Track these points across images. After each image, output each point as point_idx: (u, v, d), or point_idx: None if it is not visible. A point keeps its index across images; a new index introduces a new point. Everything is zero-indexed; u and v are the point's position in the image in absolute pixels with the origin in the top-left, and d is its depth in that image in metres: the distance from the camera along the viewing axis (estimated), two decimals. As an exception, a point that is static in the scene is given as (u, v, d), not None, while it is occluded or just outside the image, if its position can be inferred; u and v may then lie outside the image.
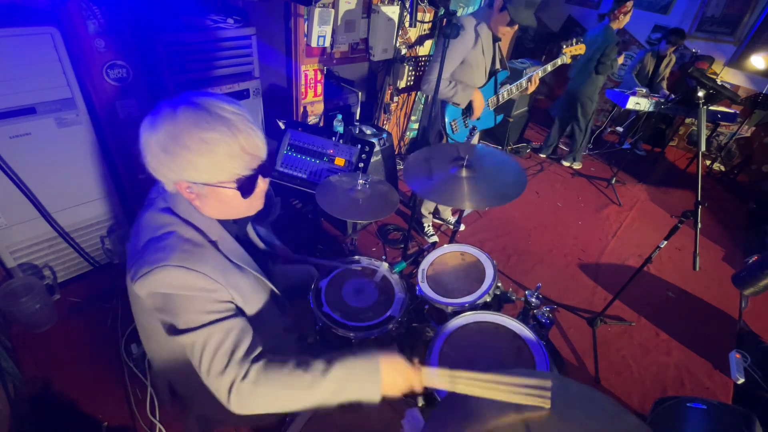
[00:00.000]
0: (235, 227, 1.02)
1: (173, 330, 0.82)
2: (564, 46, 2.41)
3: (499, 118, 2.48)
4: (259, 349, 0.84)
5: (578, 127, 3.95)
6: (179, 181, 0.82)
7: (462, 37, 2.01)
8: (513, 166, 1.61)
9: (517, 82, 2.33)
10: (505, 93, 2.34)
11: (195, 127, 0.76)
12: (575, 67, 3.70)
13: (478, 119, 2.30)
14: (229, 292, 0.87)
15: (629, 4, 3.30)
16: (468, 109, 2.27)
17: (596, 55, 3.44)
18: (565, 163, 4.25)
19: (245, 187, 0.85)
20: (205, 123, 0.76)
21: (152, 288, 0.81)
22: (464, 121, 2.32)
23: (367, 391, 0.82)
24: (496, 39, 2.19)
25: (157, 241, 0.83)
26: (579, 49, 2.41)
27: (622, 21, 3.39)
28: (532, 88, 2.36)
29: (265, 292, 1.02)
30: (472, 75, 2.17)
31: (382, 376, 0.83)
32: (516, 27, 2.05)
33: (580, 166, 4.23)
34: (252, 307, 0.96)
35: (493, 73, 2.28)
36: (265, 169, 0.87)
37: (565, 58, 2.41)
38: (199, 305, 0.82)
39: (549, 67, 2.38)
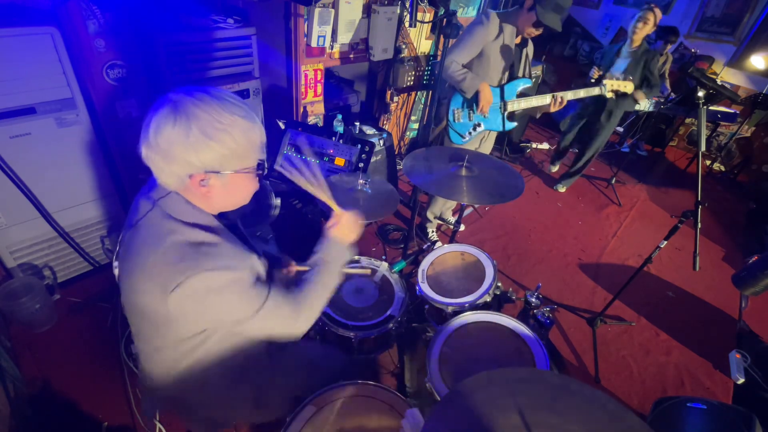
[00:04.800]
0: (226, 221, 1.02)
1: (238, 319, 0.90)
2: (605, 78, 2.34)
3: (510, 125, 2.33)
4: (290, 292, 0.99)
5: (590, 154, 3.54)
6: (199, 173, 0.80)
7: (485, 26, 2.02)
8: (509, 171, 1.62)
9: (540, 96, 2.25)
10: (523, 102, 2.26)
11: (222, 118, 0.78)
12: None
13: (484, 116, 2.24)
14: (252, 269, 0.92)
15: (659, 13, 2.96)
16: (473, 102, 2.24)
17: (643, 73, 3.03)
18: (560, 189, 3.81)
19: (261, 171, 0.92)
20: (230, 114, 0.79)
21: (194, 293, 0.80)
22: (468, 114, 2.29)
23: (343, 258, 1.10)
24: (523, 44, 2.19)
25: (171, 252, 0.81)
26: (626, 86, 2.35)
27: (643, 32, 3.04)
28: (554, 108, 2.29)
29: (263, 265, 1.05)
30: (488, 70, 2.16)
31: (342, 242, 1.11)
32: (541, 30, 2.05)
33: (564, 190, 3.84)
34: (263, 274, 1.01)
35: (513, 77, 2.26)
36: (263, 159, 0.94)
37: (604, 90, 2.36)
38: (244, 295, 0.88)
39: (582, 93, 2.33)
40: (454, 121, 2.28)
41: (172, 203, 0.86)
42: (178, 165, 0.79)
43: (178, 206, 0.86)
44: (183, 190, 0.86)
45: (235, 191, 0.90)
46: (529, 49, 2.29)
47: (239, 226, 1.13)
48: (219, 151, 0.78)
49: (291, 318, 0.96)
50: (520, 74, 2.28)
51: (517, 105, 2.28)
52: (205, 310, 0.86)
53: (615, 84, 2.37)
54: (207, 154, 0.78)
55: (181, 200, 0.87)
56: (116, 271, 0.96)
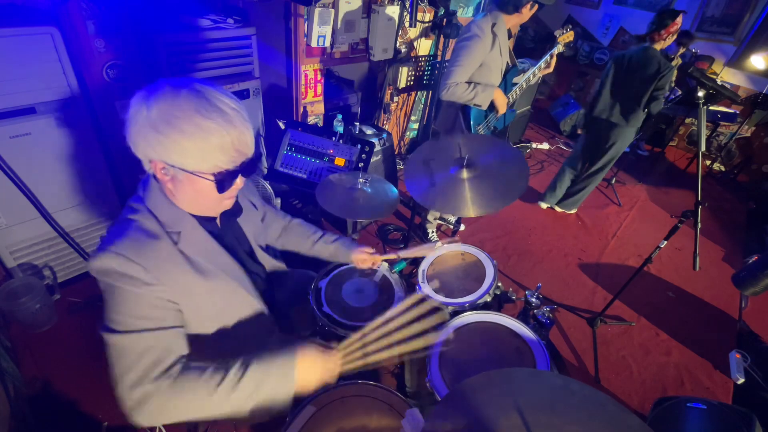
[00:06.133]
0: (217, 226, 1.01)
1: (103, 326, 0.79)
2: (557, 35, 2.37)
3: (513, 115, 2.49)
4: (178, 364, 0.80)
5: (595, 180, 3.17)
6: (157, 160, 0.80)
7: (481, 39, 2.02)
8: (513, 156, 1.58)
9: (525, 77, 2.34)
10: (517, 89, 2.34)
11: (194, 113, 0.75)
12: (613, 98, 2.81)
13: (500, 117, 2.32)
14: (171, 291, 0.83)
15: (679, 21, 2.52)
16: (489, 111, 2.27)
17: (645, 86, 2.61)
18: (558, 209, 3.47)
19: (223, 181, 0.84)
20: (204, 111, 0.76)
21: (94, 272, 0.79)
22: (487, 124, 2.33)
23: (281, 389, 0.83)
24: (510, 35, 2.20)
25: (115, 227, 0.84)
26: (569, 36, 2.39)
27: (668, 41, 2.63)
28: (551, 68, 2.40)
29: (237, 295, 1.00)
30: (490, 76, 2.17)
31: (297, 372, 0.84)
32: (536, 8, 2.07)
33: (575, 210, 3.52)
34: (207, 310, 0.93)
35: (506, 71, 2.30)
36: (247, 168, 0.87)
37: (560, 47, 2.39)
38: (132, 305, 0.79)
39: (548, 58, 2.37)
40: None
41: (150, 189, 0.89)
42: (141, 148, 0.80)
43: (152, 193, 0.88)
44: (157, 178, 0.86)
45: (197, 194, 0.86)
46: (511, 41, 2.32)
47: (237, 247, 1.09)
48: (174, 139, 0.76)
49: (131, 382, 0.75)
50: (509, 65, 2.33)
51: (516, 94, 2.36)
52: (104, 293, 0.80)
53: (564, 37, 2.39)
54: (168, 147, 0.77)
55: (157, 188, 0.88)
56: None
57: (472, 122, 2.23)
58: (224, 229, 1.04)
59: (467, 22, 2.34)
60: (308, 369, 0.86)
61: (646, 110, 2.72)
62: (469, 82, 2.12)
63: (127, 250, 0.79)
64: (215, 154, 0.79)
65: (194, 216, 0.92)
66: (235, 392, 0.79)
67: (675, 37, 2.60)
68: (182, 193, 0.87)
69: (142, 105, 0.77)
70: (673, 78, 2.65)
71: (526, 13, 2.06)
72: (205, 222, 0.95)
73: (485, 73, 2.16)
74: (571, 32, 2.40)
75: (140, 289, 0.79)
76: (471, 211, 1.44)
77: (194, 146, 0.77)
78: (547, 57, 2.36)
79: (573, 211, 3.47)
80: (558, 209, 3.47)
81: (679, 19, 2.50)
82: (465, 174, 1.52)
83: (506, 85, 2.32)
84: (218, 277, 0.94)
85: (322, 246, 1.40)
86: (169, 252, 0.85)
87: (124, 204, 0.92)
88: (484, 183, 1.52)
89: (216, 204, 0.92)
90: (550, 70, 2.42)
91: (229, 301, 0.99)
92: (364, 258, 1.39)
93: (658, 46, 2.60)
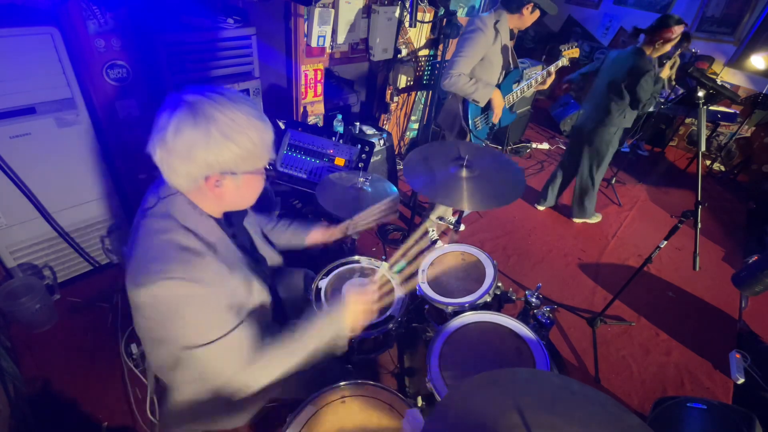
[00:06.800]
0: (231, 229, 1.02)
1: (187, 344, 0.84)
2: (562, 50, 2.41)
3: (513, 117, 2.50)
4: (265, 337, 0.93)
5: (590, 184, 3.04)
6: (217, 174, 0.81)
7: (484, 33, 2.04)
8: (512, 167, 1.61)
9: (529, 81, 2.37)
10: (518, 92, 2.36)
11: (247, 116, 0.80)
12: (591, 97, 2.83)
13: (497, 119, 2.34)
14: (224, 293, 0.88)
15: (677, 30, 2.36)
16: (487, 109, 2.28)
17: (621, 83, 2.55)
18: (578, 220, 3.34)
19: (265, 174, 0.93)
20: (245, 115, 0.80)
21: (154, 299, 0.80)
22: (485, 119, 2.35)
23: (339, 335, 1.01)
24: (512, 36, 2.22)
25: (156, 249, 0.82)
26: (574, 52, 2.42)
27: (659, 50, 2.48)
28: (546, 84, 2.43)
29: (257, 292, 1.03)
30: (491, 72, 2.19)
31: (346, 320, 1.02)
32: (537, 14, 2.11)
33: (599, 218, 3.38)
34: (246, 306, 0.97)
35: (507, 71, 2.31)
36: None
37: (564, 61, 2.43)
38: (207, 318, 0.83)
39: (552, 69, 2.40)
40: (476, 129, 2.31)
41: (176, 203, 0.87)
42: (197, 166, 0.79)
43: (180, 207, 0.87)
44: (193, 191, 0.86)
45: (246, 192, 0.91)
46: (512, 42, 2.34)
47: (247, 244, 1.12)
48: (236, 152, 0.79)
49: (244, 365, 0.88)
50: (511, 67, 2.34)
51: (515, 97, 2.38)
52: (161, 319, 0.83)
53: (569, 52, 2.42)
54: (225, 156, 0.79)
55: (185, 201, 0.87)
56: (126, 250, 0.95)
57: (470, 114, 2.24)
58: (234, 228, 1.06)
59: (466, 22, 2.35)
60: (353, 315, 1.04)
61: (623, 111, 2.64)
62: (470, 77, 2.13)
63: (184, 272, 0.80)
64: (267, 149, 0.86)
65: (212, 217, 0.94)
66: (309, 342, 0.97)
67: (670, 46, 2.45)
68: (227, 199, 0.89)
69: (195, 125, 0.76)
70: (659, 83, 2.52)
71: (527, 15, 2.08)
72: (220, 222, 0.97)
73: (486, 68, 2.17)
74: (577, 49, 2.43)
75: (209, 302, 0.83)
76: (466, 206, 1.46)
77: (258, 148, 0.83)
78: (551, 68, 2.38)
79: (594, 220, 3.34)
80: (578, 221, 3.34)
81: (677, 29, 2.35)
82: (464, 173, 1.52)
83: (506, 87, 2.33)
84: (242, 271, 0.97)
85: (280, 232, 1.39)
86: (213, 263, 0.87)
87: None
88: (482, 183, 1.52)
89: (256, 196, 0.96)
90: (545, 87, 2.44)
91: (250, 291, 1.01)
92: (317, 237, 1.40)
93: (648, 51, 2.46)
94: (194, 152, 0.77)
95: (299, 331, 0.97)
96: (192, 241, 0.85)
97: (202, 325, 0.83)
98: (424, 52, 3.29)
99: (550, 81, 2.41)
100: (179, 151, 0.77)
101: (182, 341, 0.84)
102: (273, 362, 0.93)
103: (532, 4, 2.03)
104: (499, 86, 2.25)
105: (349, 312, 1.03)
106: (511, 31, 2.17)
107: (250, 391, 0.91)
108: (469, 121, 2.26)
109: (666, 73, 2.54)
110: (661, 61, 2.62)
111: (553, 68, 2.40)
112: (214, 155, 0.78)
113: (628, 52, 2.56)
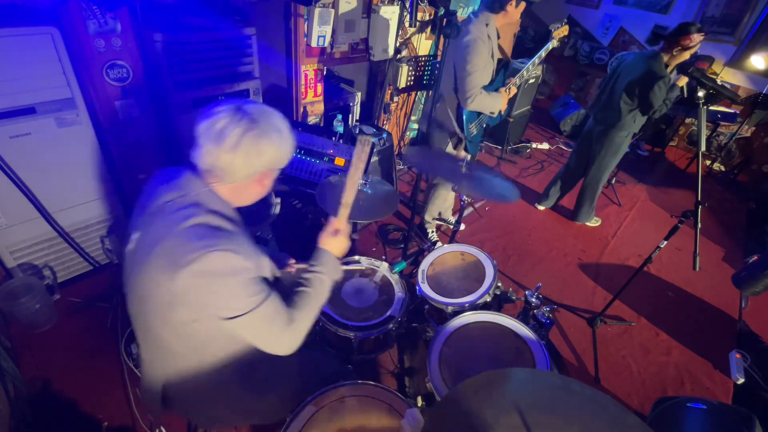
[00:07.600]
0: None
1: (232, 314, 0.89)
2: (552, 29, 2.34)
3: (500, 117, 2.44)
4: (292, 296, 1.02)
5: (597, 188, 3.04)
6: (266, 170, 0.95)
7: (483, 41, 2.01)
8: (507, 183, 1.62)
9: (519, 74, 2.34)
10: (516, 80, 2.34)
11: (282, 126, 0.93)
12: (602, 100, 2.75)
13: (491, 116, 2.30)
14: (259, 267, 0.96)
15: (696, 38, 2.31)
16: (479, 113, 2.27)
17: (635, 88, 2.50)
18: (579, 224, 3.35)
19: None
20: (280, 118, 0.95)
21: (200, 275, 0.83)
22: (480, 123, 2.34)
23: (334, 270, 1.11)
24: (498, 36, 2.20)
25: (191, 233, 0.85)
26: (563, 30, 2.37)
27: (677, 58, 2.41)
28: (535, 69, 2.40)
29: (268, 269, 1.08)
30: (488, 77, 2.17)
31: (334, 255, 1.13)
32: (523, 5, 2.05)
33: (599, 222, 3.37)
34: (269, 279, 1.04)
35: (501, 66, 2.30)
36: None
37: (555, 42, 2.36)
38: (248, 288, 0.89)
39: (543, 53, 2.36)
40: (470, 134, 2.28)
41: (204, 195, 0.93)
42: (261, 164, 0.92)
43: (207, 197, 0.94)
44: (238, 185, 0.95)
45: (265, 187, 1.01)
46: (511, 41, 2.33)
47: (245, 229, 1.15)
48: (283, 151, 0.94)
49: (281, 329, 0.96)
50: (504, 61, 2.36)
51: (518, 81, 2.37)
52: (209, 293, 0.86)
53: (559, 32, 2.38)
54: (276, 154, 0.93)
55: (213, 193, 0.95)
56: (131, 246, 0.95)
57: (464, 120, 2.23)
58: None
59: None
60: (336, 248, 1.13)
61: (635, 115, 2.61)
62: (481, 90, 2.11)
63: (226, 244, 0.86)
64: (291, 150, 0.98)
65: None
66: (321, 288, 1.06)
67: (688, 54, 2.38)
68: (251, 192, 1.01)
69: (255, 130, 0.88)
70: (674, 91, 2.47)
71: (512, 11, 2.03)
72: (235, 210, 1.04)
73: (484, 76, 2.15)
74: (566, 26, 2.37)
75: (250, 272, 0.90)
76: (463, 189, 1.48)
77: (290, 145, 0.96)
78: (541, 52, 2.34)
79: (594, 223, 3.34)
80: (579, 224, 3.34)
81: (696, 37, 2.30)
82: (464, 170, 1.53)
83: (500, 81, 2.31)
84: (258, 249, 1.03)
85: None
86: (244, 239, 0.95)
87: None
88: (479, 184, 1.53)
89: (267, 191, 1.05)
90: (531, 73, 2.41)
91: (267, 268, 1.06)
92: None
93: (666, 58, 2.41)
94: (264, 153, 0.90)
95: (309, 286, 1.05)
96: (222, 221, 0.92)
97: (246, 293, 0.89)
98: (424, 52, 3.30)
99: (530, 73, 2.39)
100: (248, 152, 0.88)
101: (226, 312, 0.89)
102: (304, 318, 1.01)
103: None
104: (492, 81, 2.24)
105: (331, 248, 1.12)
106: (497, 30, 2.13)
107: (292, 349, 0.98)
108: (464, 128, 2.23)
109: (683, 81, 2.47)
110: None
111: (543, 52, 2.35)
112: (277, 154, 0.93)
113: (646, 55, 2.51)
